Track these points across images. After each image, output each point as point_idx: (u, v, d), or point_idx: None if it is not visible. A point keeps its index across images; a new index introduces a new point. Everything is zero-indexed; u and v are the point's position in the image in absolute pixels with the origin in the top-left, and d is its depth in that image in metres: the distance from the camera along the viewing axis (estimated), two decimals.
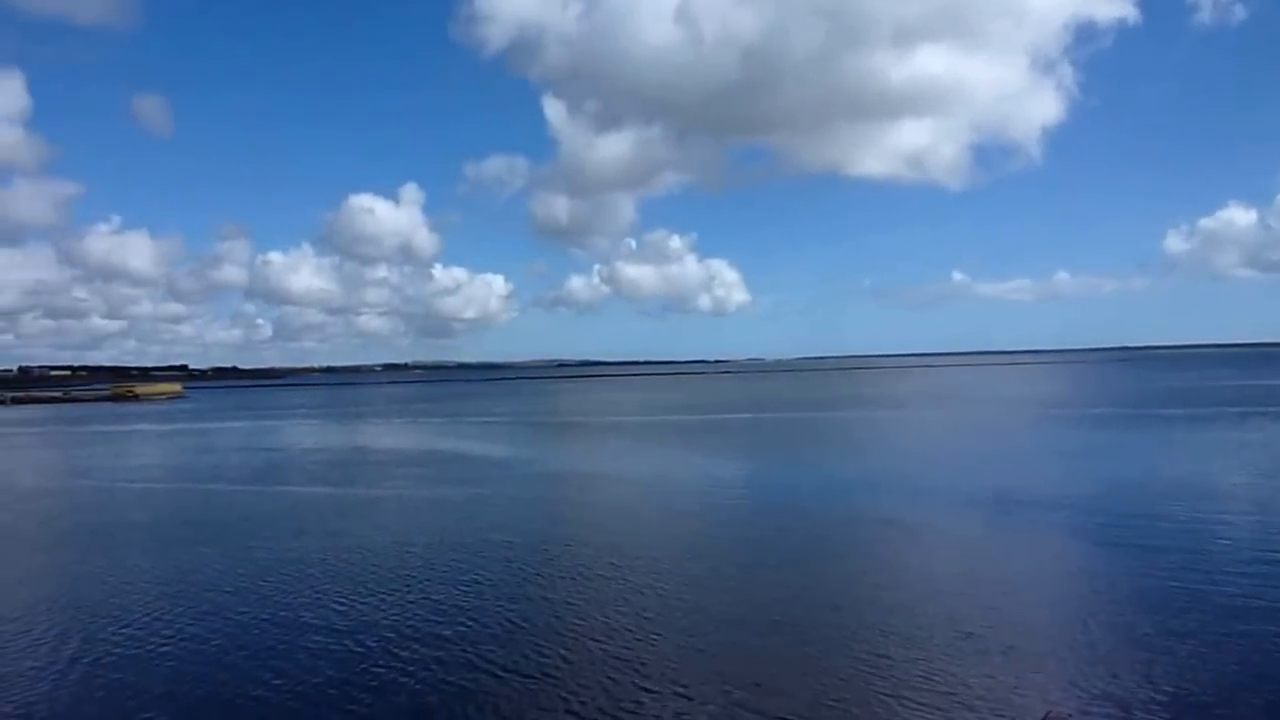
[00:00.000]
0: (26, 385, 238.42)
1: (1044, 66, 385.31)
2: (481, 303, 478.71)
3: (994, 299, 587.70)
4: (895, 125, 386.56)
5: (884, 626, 17.01)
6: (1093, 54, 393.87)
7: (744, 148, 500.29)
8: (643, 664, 15.34)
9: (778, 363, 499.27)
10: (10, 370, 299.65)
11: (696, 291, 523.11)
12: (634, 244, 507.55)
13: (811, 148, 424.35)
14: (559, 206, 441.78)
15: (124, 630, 18.39)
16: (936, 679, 14.21)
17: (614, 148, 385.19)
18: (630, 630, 17.30)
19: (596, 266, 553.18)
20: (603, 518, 30.90)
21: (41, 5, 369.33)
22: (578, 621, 18.00)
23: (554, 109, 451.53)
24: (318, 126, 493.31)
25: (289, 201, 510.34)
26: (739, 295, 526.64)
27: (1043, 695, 13.45)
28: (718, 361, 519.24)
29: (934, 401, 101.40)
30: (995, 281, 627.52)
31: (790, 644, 16.29)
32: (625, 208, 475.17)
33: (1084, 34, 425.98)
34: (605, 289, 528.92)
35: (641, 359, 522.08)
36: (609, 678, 14.78)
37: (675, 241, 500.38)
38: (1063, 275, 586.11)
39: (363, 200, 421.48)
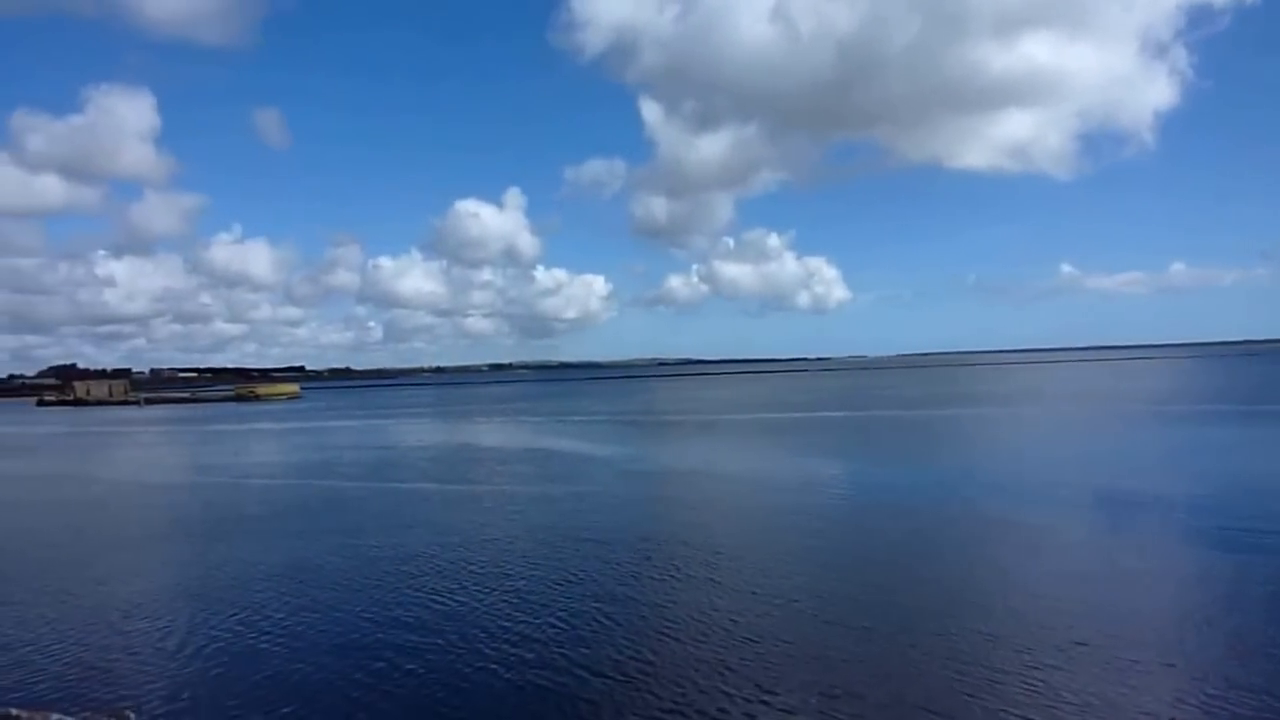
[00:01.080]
0: (157, 386, 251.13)
1: (1155, 50, 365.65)
2: (582, 303, 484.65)
3: (1105, 292, 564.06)
4: (998, 116, 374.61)
5: (992, 633, 16.40)
6: (1208, 35, 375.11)
7: (842, 143, 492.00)
8: (735, 668, 15.10)
9: (880, 360, 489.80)
10: (143, 372, 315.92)
11: (795, 289, 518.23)
12: (732, 243, 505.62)
13: (912, 141, 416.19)
14: (657, 207, 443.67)
15: (237, 619, 19.12)
16: (1047, 690, 13.60)
17: (711, 147, 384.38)
18: (724, 632, 17.08)
19: (695, 265, 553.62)
20: (700, 516, 30.71)
21: (169, 29, 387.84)
22: (670, 622, 17.87)
23: (651, 110, 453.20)
24: (425, 136, 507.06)
25: (398, 208, 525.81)
26: (839, 292, 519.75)
27: (1161, 710, 12.78)
28: (819, 359, 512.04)
29: (1043, 398, 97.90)
30: (1106, 274, 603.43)
31: (891, 651, 15.80)
32: (723, 207, 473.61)
33: (1199, 15, 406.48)
34: (704, 288, 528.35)
35: (741, 357, 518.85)
36: (700, 681, 14.61)
37: (773, 239, 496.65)
38: (1179, 266, 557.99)
39: (468, 205, 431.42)
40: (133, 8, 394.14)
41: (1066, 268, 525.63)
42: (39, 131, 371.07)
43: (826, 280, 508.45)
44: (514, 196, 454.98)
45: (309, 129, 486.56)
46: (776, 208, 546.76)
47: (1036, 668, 14.54)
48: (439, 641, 17.17)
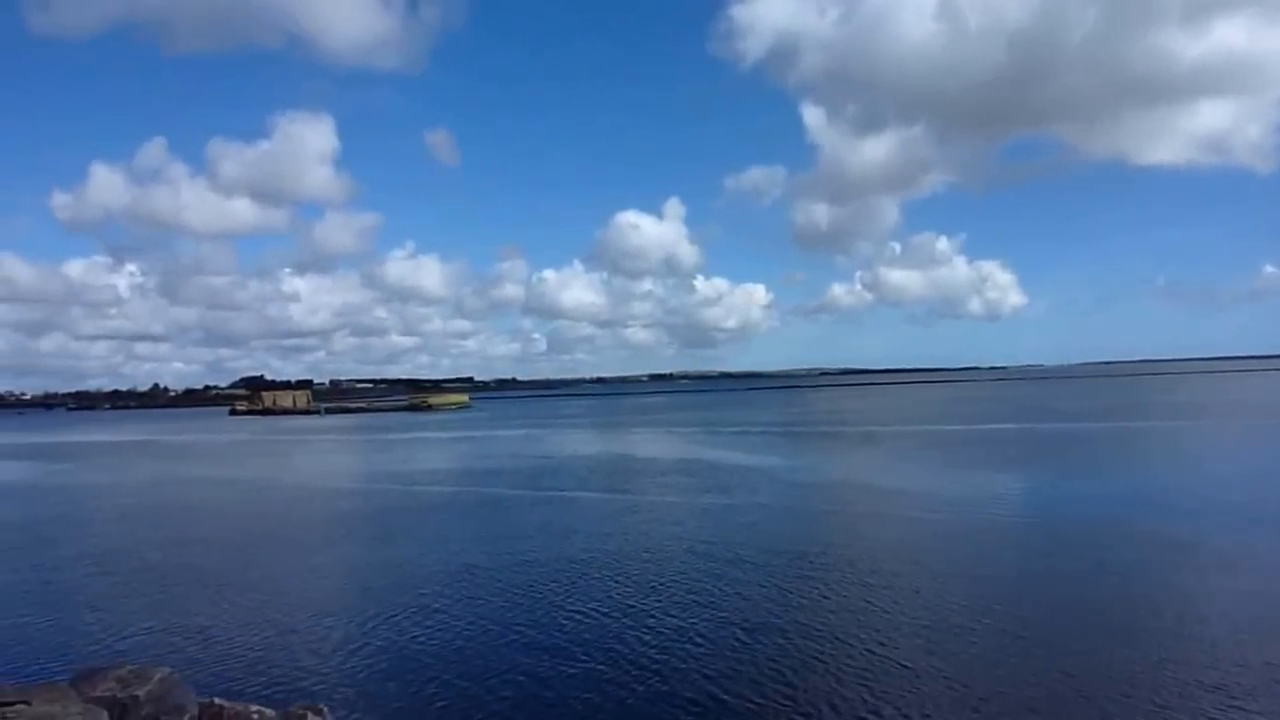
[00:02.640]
0: (337, 397, 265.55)
1: None
2: (742, 312, 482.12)
3: None
4: (1190, 107, 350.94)
5: (1182, 663, 15.44)
6: None
7: (1015, 142, 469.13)
8: (882, 698, 14.81)
9: (1059, 369, 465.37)
10: (324, 383, 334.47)
11: (966, 295, 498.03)
12: (898, 248, 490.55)
13: (1093, 137, 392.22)
14: (819, 213, 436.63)
15: (412, 619, 20.15)
16: None
17: (875, 150, 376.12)
18: (875, 659, 16.70)
19: (859, 272, 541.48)
20: (859, 533, 30.13)
21: (347, 57, 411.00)
22: (820, 644, 17.63)
23: (813, 115, 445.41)
24: (586, 149, 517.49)
25: (561, 221, 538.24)
26: (1014, 298, 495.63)
27: None
28: (991, 368, 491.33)
29: (1243, 412, 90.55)
30: None
31: (1069, 681, 15.05)
32: (888, 211, 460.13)
33: None
34: (868, 295, 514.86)
35: (908, 366, 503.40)
36: (851, 700, 14.41)
37: (942, 243, 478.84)
38: None
39: (628, 216, 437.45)
40: (314, 39, 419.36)
41: (1270, 269, 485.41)
42: (231, 158, 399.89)
43: (1000, 285, 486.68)
44: (674, 206, 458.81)
45: (477, 147, 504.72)
46: (945, 210, 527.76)
47: (1239, 706, 13.59)
48: (596, 647, 17.58)
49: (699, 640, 17.82)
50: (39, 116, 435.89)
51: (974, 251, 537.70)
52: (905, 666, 15.83)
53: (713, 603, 20.77)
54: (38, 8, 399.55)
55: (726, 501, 37.03)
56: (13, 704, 7.32)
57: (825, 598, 21.03)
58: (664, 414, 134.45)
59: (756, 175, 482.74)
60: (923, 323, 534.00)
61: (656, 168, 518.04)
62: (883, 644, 17.17)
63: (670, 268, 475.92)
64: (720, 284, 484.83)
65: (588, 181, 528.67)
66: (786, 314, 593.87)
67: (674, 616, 19.67)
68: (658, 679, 15.72)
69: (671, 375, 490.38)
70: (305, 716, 7.10)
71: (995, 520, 30.96)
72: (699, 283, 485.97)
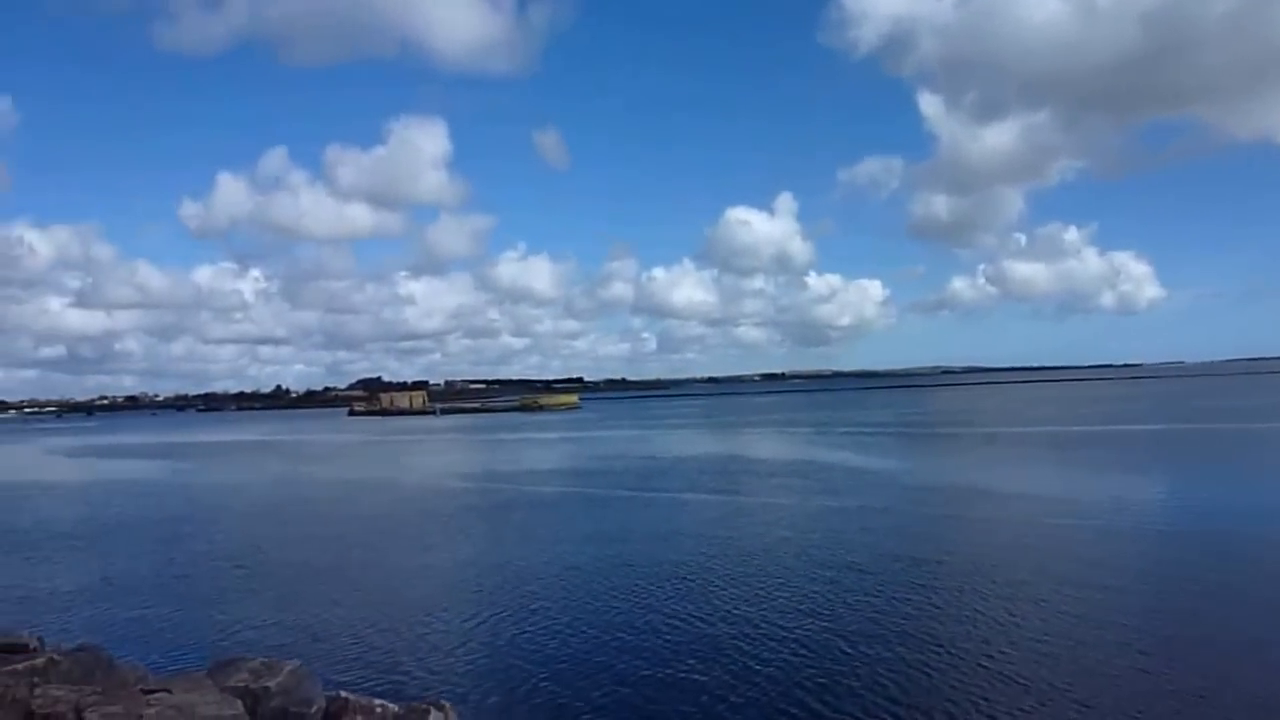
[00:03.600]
0: (451, 397, 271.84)
1: None
2: (857, 309, 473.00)
3: None
4: None
5: None
6: None
7: (1150, 125, 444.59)
8: (1001, 707, 14.29)
9: (1201, 366, 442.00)
10: (438, 384, 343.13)
11: (1098, 288, 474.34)
12: (1023, 239, 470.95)
13: (1235, 118, 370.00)
14: (938, 205, 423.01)
15: (528, 617, 20.47)
16: None
17: (998, 138, 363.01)
18: (990, 666, 16.13)
19: (981, 266, 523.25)
20: (977, 537, 29.17)
21: (459, 62, 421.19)
22: (929, 647, 17.18)
23: (930, 104, 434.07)
24: (695, 146, 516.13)
25: (670, 219, 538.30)
26: (1150, 290, 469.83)
27: None
28: (1126, 366, 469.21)
29: None
30: None
31: (1201, 705, 14.25)
32: (1012, 201, 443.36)
33: None
34: (991, 290, 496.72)
35: (1034, 364, 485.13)
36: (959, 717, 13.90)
37: (1071, 234, 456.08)
38: None
39: (738, 213, 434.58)
40: (427, 45, 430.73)
41: None
42: (349, 164, 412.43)
43: (1135, 277, 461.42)
44: (785, 201, 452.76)
45: (586, 146, 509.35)
46: (1074, 199, 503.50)
47: None
48: (705, 651, 17.49)
49: (805, 648, 17.56)
50: (169, 130, 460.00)
51: (1106, 242, 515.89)
52: (1018, 682, 15.17)
53: (820, 609, 20.43)
54: (165, 26, 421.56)
55: (838, 504, 36.40)
56: (155, 692, 7.63)
57: (937, 606, 20.39)
58: (775, 414, 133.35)
59: (871, 167, 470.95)
60: (1051, 318, 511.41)
61: (767, 162, 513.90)
62: (996, 656, 16.54)
63: (782, 264, 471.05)
64: (833, 280, 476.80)
65: (697, 178, 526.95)
66: (904, 310, 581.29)
67: (782, 623, 19.46)
68: (764, 685, 15.56)
69: (783, 375, 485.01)
70: (428, 712, 7.18)
71: (1132, 528, 29.48)
72: (811, 279, 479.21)
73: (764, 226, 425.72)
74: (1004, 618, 19.01)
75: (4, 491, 59.11)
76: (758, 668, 16.35)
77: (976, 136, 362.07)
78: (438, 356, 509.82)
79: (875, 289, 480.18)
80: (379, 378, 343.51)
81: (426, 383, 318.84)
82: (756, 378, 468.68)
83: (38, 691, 7.71)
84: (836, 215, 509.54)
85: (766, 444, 76.29)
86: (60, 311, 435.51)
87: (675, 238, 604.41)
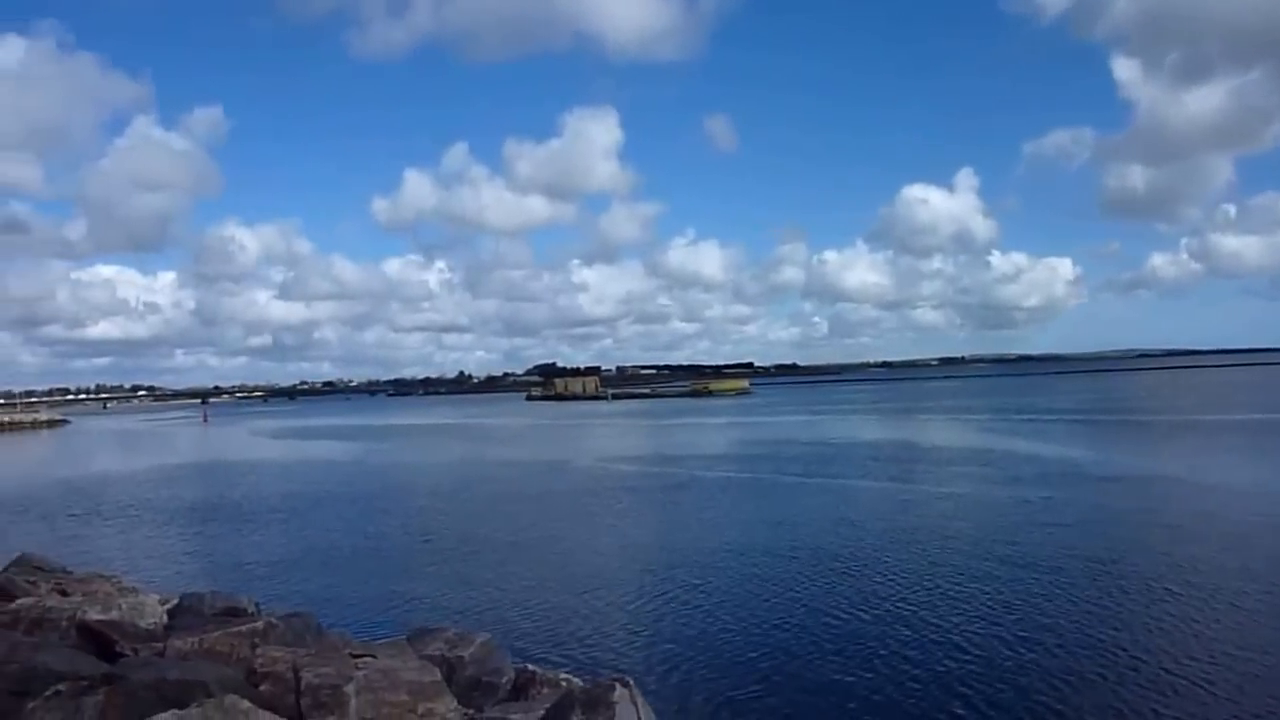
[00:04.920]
0: (622, 383, 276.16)
1: None
2: (1044, 289, 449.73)
3: None
4: None
5: None
6: None
7: None
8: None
9: None
10: (610, 370, 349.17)
11: None
12: (1233, 211, 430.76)
13: None
14: (1135, 177, 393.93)
15: (702, 599, 20.59)
16: None
17: (1202, 102, 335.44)
18: (1173, 679, 14.98)
19: (1184, 240, 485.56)
20: (1175, 534, 26.79)
21: (629, 51, 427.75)
22: (1114, 656, 16.08)
23: (1125, 69, 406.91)
24: (869, 123, 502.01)
25: (842, 200, 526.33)
26: None
27: None
28: None
29: None
30: None
31: None
32: (1220, 170, 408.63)
33: None
34: (1196, 266, 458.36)
35: (1247, 346, 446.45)
36: None
37: None
38: None
39: (915, 191, 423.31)
40: (599, 37, 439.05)
41: None
42: (526, 158, 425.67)
43: None
44: (966, 177, 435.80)
45: (755, 130, 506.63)
46: None
47: None
48: (876, 641, 17.12)
49: (974, 647, 16.83)
50: (361, 131, 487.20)
51: None
52: (1213, 693, 14.11)
53: (995, 609, 19.45)
54: (356, 34, 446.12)
55: (1018, 496, 34.74)
56: (361, 656, 8.16)
57: (1126, 611, 18.88)
58: (953, 399, 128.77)
59: (1060, 139, 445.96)
60: (1265, 295, 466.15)
61: (946, 138, 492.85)
62: (1189, 673, 15.33)
63: (962, 243, 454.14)
64: (1019, 259, 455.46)
65: (871, 157, 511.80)
66: (1096, 289, 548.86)
67: (954, 618, 18.78)
68: (933, 683, 15.09)
69: (964, 359, 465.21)
70: (613, 688, 7.36)
71: None
72: (994, 258, 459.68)
73: (943, 204, 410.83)
74: (1203, 628, 17.48)
75: (220, 469, 64.41)
76: (930, 664, 15.87)
77: (1178, 101, 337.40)
78: (610, 342, 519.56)
79: (1065, 267, 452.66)
80: (554, 363, 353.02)
81: (599, 368, 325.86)
82: (934, 362, 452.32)
83: (259, 651, 8.39)
84: (1021, 190, 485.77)
85: (942, 431, 73.81)
86: (266, 303, 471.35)
87: (847, 219, 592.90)
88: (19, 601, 10.40)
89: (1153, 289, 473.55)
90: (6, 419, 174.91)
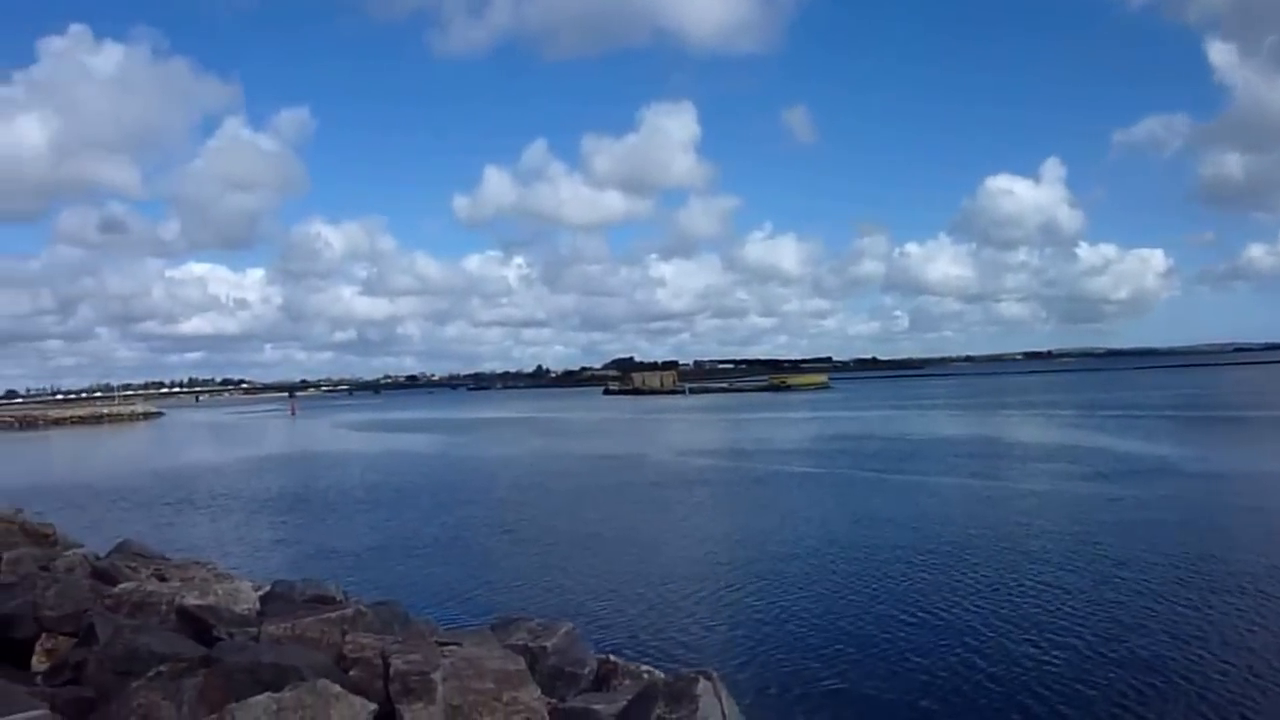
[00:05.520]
0: (700, 377, 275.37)
1: None
2: (1134, 281, 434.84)
3: None
4: None
5: None
6: None
7: None
8: None
9: None
10: (687, 364, 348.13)
11: None
12: None
13: None
14: (1231, 164, 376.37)
15: (770, 588, 20.41)
16: None
17: None
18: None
19: None
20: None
21: (708, 44, 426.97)
22: (1210, 665, 15.38)
23: (1220, 53, 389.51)
24: (952, 112, 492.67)
25: (925, 192, 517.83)
26: None
27: None
28: None
29: None
30: None
31: None
32: None
33: None
34: None
35: None
36: None
37: None
38: None
39: (999, 182, 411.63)
40: (677, 31, 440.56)
41: None
42: (604, 153, 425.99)
43: None
44: (1052, 167, 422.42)
45: (834, 121, 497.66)
46: None
47: None
48: (962, 641, 16.72)
49: (1054, 645, 16.34)
50: (442, 129, 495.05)
51: None
52: None
53: (1078, 608, 18.88)
54: (437, 33, 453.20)
55: (1107, 493, 33.62)
56: (447, 644, 8.27)
57: (1215, 613, 18.13)
58: (1039, 394, 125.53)
59: (1151, 126, 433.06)
60: None
61: (1031, 127, 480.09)
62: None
63: (1048, 235, 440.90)
64: (1107, 250, 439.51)
65: (953, 148, 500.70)
66: (1190, 281, 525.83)
67: (1036, 616, 18.28)
68: (1002, 678, 14.67)
69: (1050, 353, 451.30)
70: (696, 680, 7.31)
71: None
72: (1082, 250, 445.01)
73: (1029, 195, 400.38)
74: None
75: (307, 460, 66.19)
76: (1007, 662, 15.45)
77: (1277, 86, 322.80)
78: (687, 336, 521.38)
79: (1156, 259, 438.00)
80: (631, 358, 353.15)
81: (676, 362, 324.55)
82: (1019, 356, 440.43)
83: (348, 638, 8.54)
84: (1110, 180, 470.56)
85: (1027, 426, 72.04)
86: (351, 299, 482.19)
87: (929, 211, 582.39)
88: (121, 586, 10.76)
89: (1250, 280, 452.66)
90: (106, 411, 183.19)
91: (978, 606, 18.93)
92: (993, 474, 41.14)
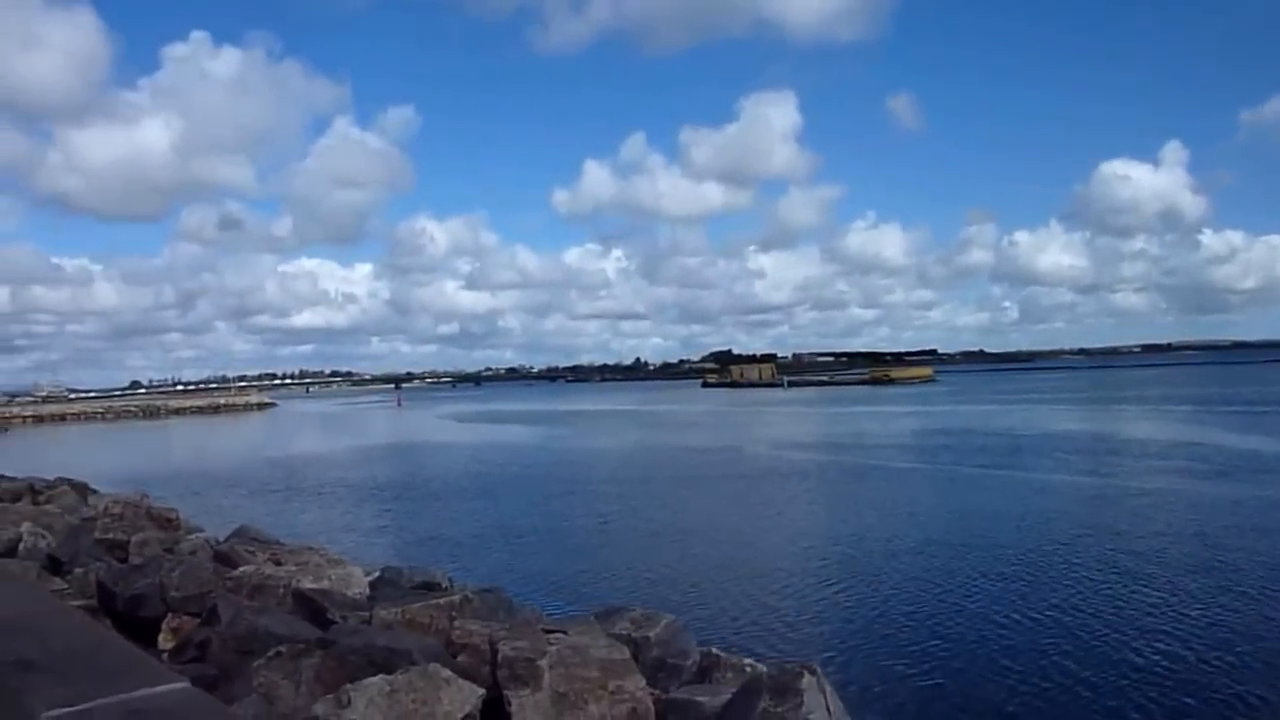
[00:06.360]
0: (799, 370, 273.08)
1: None
2: (1264, 270, 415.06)
3: None
4: None
5: None
6: None
7: None
8: None
9: None
10: (786, 356, 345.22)
11: None
12: None
13: None
14: None
15: (874, 583, 20.05)
16: None
17: None
18: None
19: None
20: None
21: (809, 33, 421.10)
22: None
23: None
24: (1065, 96, 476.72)
25: (1035, 179, 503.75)
26: None
27: None
28: None
29: None
30: None
31: None
32: None
33: None
34: None
35: None
36: None
37: None
38: None
39: (1115, 167, 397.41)
40: (778, 21, 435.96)
41: None
42: (702, 144, 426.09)
43: None
44: (1173, 151, 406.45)
45: (941, 108, 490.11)
46: None
47: None
48: (1062, 641, 16.13)
49: (1161, 652, 15.54)
50: (542, 125, 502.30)
51: None
52: None
53: (1191, 613, 17.95)
54: (539, 30, 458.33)
55: (1229, 495, 31.84)
56: (552, 632, 8.37)
57: None
58: (1157, 388, 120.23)
59: None
60: None
61: (1150, 109, 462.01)
62: None
63: (1168, 222, 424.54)
64: (1233, 237, 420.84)
65: (1065, 133, 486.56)
66: None
67: (1145, 619, 17.50)
68: (1103, 682, 14.04)
69: (1169, 346, 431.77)
70: (801, 674, 7.24)
71: None
72: (1205, 237, 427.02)
73: (1147, 180, 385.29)
74: None
75: (413, 450, 67.98)
76: (1110, 666, 14.83)
77: None
78: (786, 329, 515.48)
79: None
80: (729, 350, 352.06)
81: (775, 355, 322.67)
82: (1136, 349, 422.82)
83: (456, 624, 8.74)
84: (1237, 163, 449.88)
85: (1144, 422, 69.03)
86: (454, 293, 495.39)
87: (1040, 199, 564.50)
88: (241, 569, 11.23)
89: None
90: (223, 401, 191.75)
91: (1085, 611, 18.17)
92: (1104, 471, 39.62)
